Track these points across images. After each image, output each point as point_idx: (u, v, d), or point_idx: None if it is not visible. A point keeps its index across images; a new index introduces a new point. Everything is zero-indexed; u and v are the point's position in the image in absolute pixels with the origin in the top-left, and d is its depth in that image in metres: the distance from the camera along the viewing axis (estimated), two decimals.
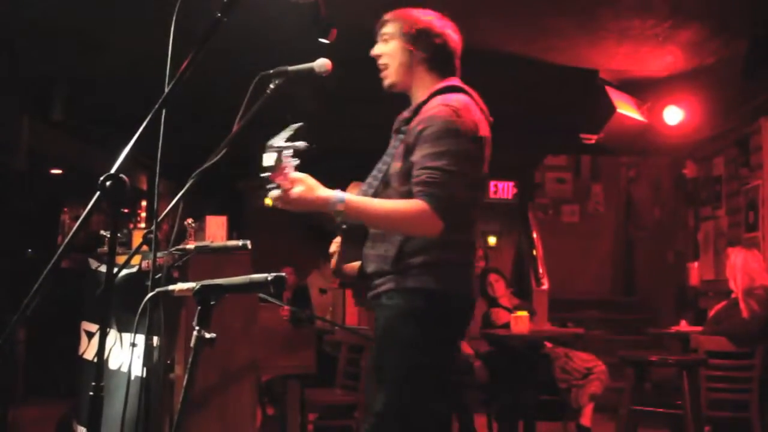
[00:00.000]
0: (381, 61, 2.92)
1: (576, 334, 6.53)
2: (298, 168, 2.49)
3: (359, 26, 3.36)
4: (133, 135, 2.02)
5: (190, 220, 3.71)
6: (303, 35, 3.87)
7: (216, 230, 3.90)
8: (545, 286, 9.52)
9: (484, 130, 2.78)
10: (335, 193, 2.53)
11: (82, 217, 1.95)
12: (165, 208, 2.82)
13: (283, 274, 2.10)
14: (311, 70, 2.86)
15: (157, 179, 2.60)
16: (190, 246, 3.48)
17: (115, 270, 3.34)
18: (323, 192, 2.53)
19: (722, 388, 5.41)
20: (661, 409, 5.63)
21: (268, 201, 2.50)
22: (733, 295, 5.72)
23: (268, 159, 2.38)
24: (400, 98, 2.97)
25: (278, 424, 4.89)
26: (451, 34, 2.90)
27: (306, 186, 2.50)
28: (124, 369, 3.73)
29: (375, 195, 2.80)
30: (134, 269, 3.70)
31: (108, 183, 1.88)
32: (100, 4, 5.75)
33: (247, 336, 3.59)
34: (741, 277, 5.63)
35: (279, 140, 2.41)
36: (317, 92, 6.21)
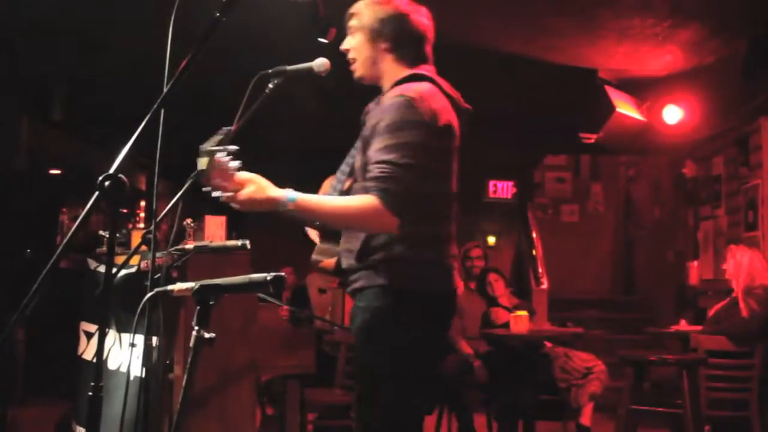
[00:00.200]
0: (349, 56, 2.85)
1: (575, 334, 6.52)
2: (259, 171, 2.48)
3: None
4: (132, 135, 2.02)
5: (189, 220, 3.70)
6: (302, 35, 3.88)
7: (215, 230, 3.89)
8: (545, 286, 9.53)
9: (448, 119, 2.67)
10: (286, 193, 2.48)
11: (81, 218, 1.94)
12: (164, 208, 2.82)
13: (283, 273, 2.10)
14: (310, 70, 2.85)
15: (156, 179, 2.59)
16: (189, 246, 3.47)
17: (114, 270, 3.34)
18: (274, 192, 2.48)
19: (722, 387, 5.41)
20: (660, 409, 5.63)
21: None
22: (733, 294, 5.72)
23: (201, 164, 2.36)
24: None
25: (278, 424, 4.88)
26: (419, 19, 2.81)
27: (256, 186, 2.46)
28: (123, 369, 3.72)
29: (343, 190, 2.79)
30: (133, 269, 3.70)
31: (107, 183, 1.88)
32: (99, 4, 5.75)
33: (247, 336, 3.59)
34: (744, 276, 5.63)
35: (210, 144, 2.38)
36: (316, 92, 6.22)
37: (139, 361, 3.30)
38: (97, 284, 4.17)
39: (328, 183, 3.04)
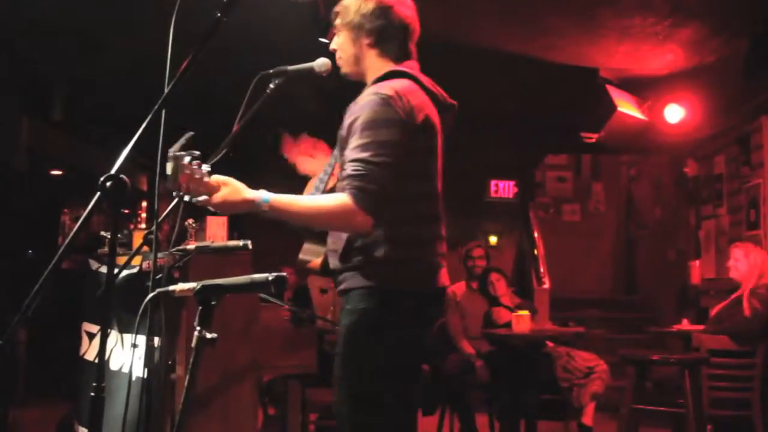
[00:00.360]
0: (337, 55, 2.84)
1: (577, 333, 6.52)
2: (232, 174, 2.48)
3: None
4: (134, 135, 2.02)
5: (190, 221, 3.70)
6: (303, 35, 3.88)
7: (216, 230, 3.88)
8: (546, 286, 9.52)
9: (427, 116, 2.62)
10: (260, 194, 2.47)
11: (82, 218, 1.94)
12: (165, 209, 2.82)
13: (284, 274, 2.10)
14: (311, 70, 2.86)
15: (157, 179, 2.59)
16: (191, 246, 3.47)
17: (116, 271, 3.34)
18: (248, 193, 2.46)
19: (724, 386, 5.41)
20: (662, 408, 5.62)
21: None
22: (739, 292, 5.71)
23: (167, 168, 2.34)
24: None
25: (279, 424, 4.88)
26: (402, 10, 2.77)
27: (230, 188, 2.45)
28: (126, 370, 3.72)
29: (326, 190, 2.78)
30: (135, 270, 3.70)
31: (108, 183, 1.88)
32: (100, 4, 5.75)
33: (248, 336, 3.58)
34: (756, 276, 5.63)
35: (174, 149, 2.36)
36: (317, 91, 6.21)
37: (141, 362, 3.30)
38: (98, 285, 4.17)
39: (312, 184, 3.04)
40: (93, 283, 4.28)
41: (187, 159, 2.32)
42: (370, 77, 2.76)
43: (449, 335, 6.60)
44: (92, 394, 1.95)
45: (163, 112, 2.26)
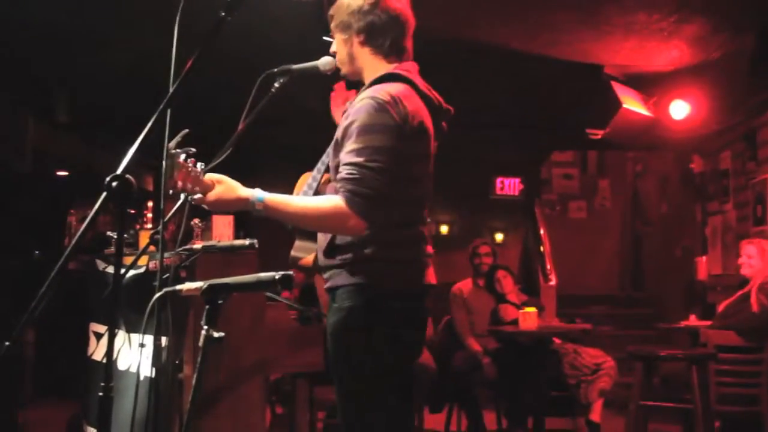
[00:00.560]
0: (336, 57, 2.83)
1: (584, 330, 6.52)
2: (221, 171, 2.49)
3: None
4: (139, 135, 2.02)
5: (196, 220, 3.70)
6: (307, 33, 3.87)
7: (223, 229, 3.89)
8: (553, 282, 9.52)
9: (421, 122, 2.60)
10: (254, 193, 2.47)
11: (88, 219, 1.95)
12: (171, 209, 2.83)
13: (291, 272, 2.10)
14: (316, 68, 2.86)
15: (162, 179, 2.59)
16: (197, 246, 3.47)
17: (123, 271, 3.35)
18: (243, 192, 2.48)
19: (732, 382, 5.39)
20: (670, 404, 5.61)
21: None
22: (747, 288, 5.70)
23: (164, 166, 2.35)
24: None
25: (287, 422, 4.89)
26: (392, 4, 2.72)
27: (225, 186, 2.47)
28: (133, 369, 3.73)
29: (318, 188, 2.78)
30: (142, 270, 3.70)
31: (114, 183, 1.88)
32: (105, 4, 5.76)
33: (255, 335, 3.59)
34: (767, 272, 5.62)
35: (171, 146, 2.36)
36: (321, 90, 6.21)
37: (149, 362, 3.31)
38: (106, 285, 4.18)
39: (304, 179, 3.04)
40: (100, 284, 4.29)
41: (182, 157, 2.33)
42: (367, 77, 2.75)
43: (456, 333, 6.61)
44: (100, 394, 1.95)
45: (168, 111, 2.26)
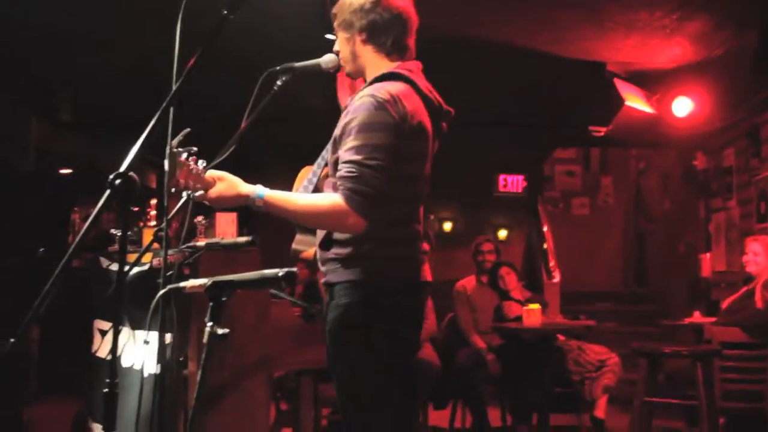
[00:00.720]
0: (340, 56, 2.84)
1: (588, 327, 6.52)
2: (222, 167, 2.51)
3: None
4: (142, 133, 2.03)
5: (200, 218, 3.71)
6: (310, 31, 3.88)
7: (226, 227, 3.89)
8: (556, 279, 9.53)
9: (421, 121, 2.61)
10: (255, 189, 2.50)
11: (92, 216, 1.95)
12: (175, 206, 2.83)
13: (294, 269, 2.11)
14: (318, 66, 2.86)
15: (166, 177, 2.60)
16: (201, 243, 3.48)
17: (127, 268, 3.36)
18: (244, 188, 2.51)
19: (736, 379, 5.39)
20: (675, 401, 5.61)
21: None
22: (752, 284, 5.70)
23: (165, 164, 2.36)
24: None
25: (292, 419, 4.89)
26: (393, 2, 2.71)
27: (226, 183, 2.50)
28: (138, 366, 3.74)
29: (317, 184, 2.79)
30: (145, 267, 3.71)
31: (118, 181, 1.88)
32: (107, 3, 5.77)
33: (260, 332, 3.59)
34: None
35: (173, 144, 2.37)
36: (323, 88, 6.22)
37: (154, 358, 3.32)
38: (109, 282, 4.19)
39: (304, 174, 3.05)
40: (104, 281, 4.30)
41: (184, 155, 2.34)
42: (369, 75, 2.74)
43: (460, 329, 6.61)
44: (105, 390, 1.96)
45: (171, 109, 2.26)
